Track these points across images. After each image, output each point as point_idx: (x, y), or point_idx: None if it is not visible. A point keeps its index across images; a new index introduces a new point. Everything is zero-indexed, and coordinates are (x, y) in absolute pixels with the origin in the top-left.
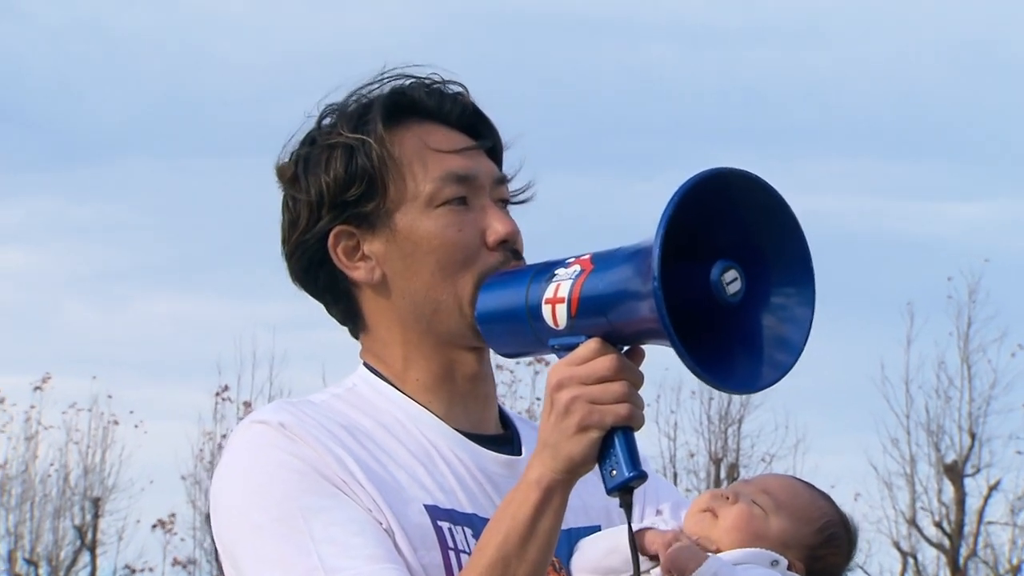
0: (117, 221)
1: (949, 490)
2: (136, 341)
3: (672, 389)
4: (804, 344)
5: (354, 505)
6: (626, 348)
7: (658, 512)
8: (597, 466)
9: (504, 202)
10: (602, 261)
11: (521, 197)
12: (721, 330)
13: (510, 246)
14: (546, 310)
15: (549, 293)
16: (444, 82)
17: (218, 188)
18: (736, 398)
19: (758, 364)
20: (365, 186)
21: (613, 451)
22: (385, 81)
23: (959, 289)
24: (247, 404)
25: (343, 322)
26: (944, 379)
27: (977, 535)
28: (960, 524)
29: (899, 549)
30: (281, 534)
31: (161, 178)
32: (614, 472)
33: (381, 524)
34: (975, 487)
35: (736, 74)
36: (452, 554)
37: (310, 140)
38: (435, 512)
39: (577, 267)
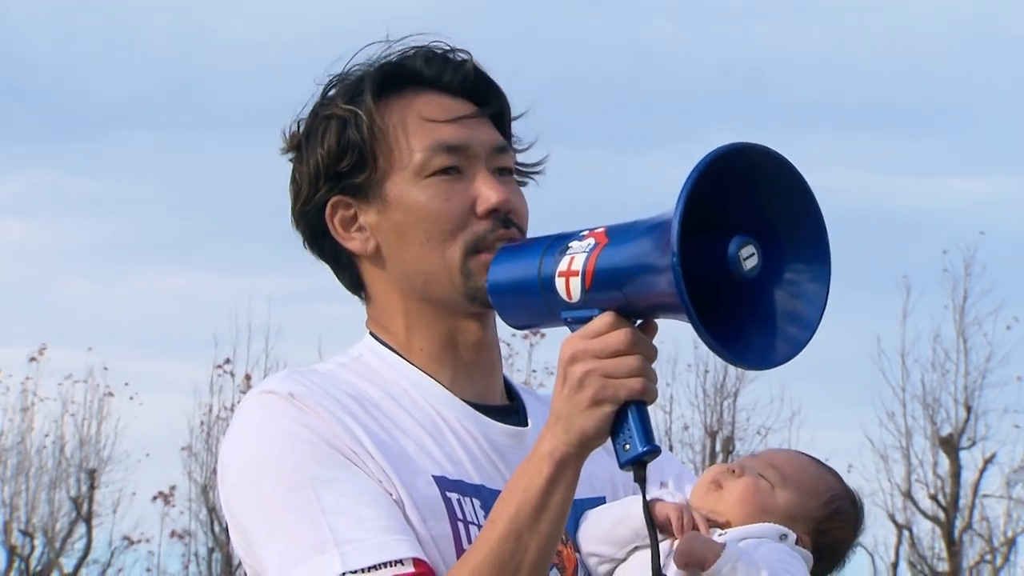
0: (115, 195)
1: (944, 463)
2: (133, 314)
3: (668, 362)
4: (819, 321)
5: (365, 476)
6: (639, 322)
7: (662, 484)
8: (609, 439)
9: (506, 170)
10: (617, 234)
11: (531, 169)
12: (736, 305)
13: (501, 215)
14: (559, 283)
15: (563, 266)
16: (447, 50)
17: (217, 162)
18: (732, 371)
19: (772, 340)
20: (356, 157)
21: (626, 425)
22: (389, 51)
23: (955, 262)
24: (247, 377)
25: (351, 290)
26: (940, 352)
27: (972, 508)
28: (955, 497)
29: (894, 522)
30: (291, 505)
31: (160, 152)
32: (627, 446)
33: (391, 495)
34: (970, 460)
35: (739, 50)
36: (461, 525)
37: (312, 112)
38: (444, 483)
39: (591, 240)
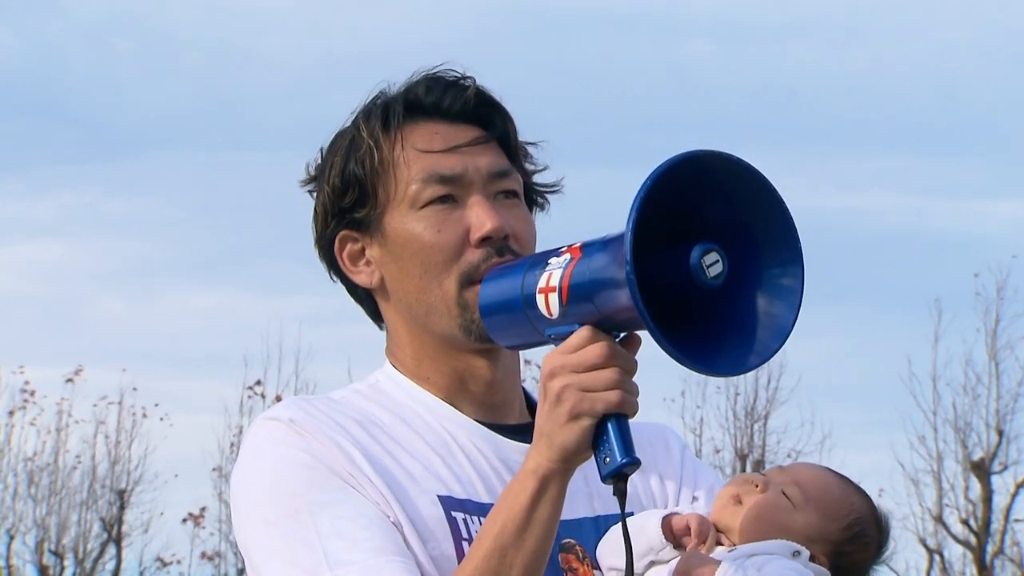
0: (151, 215)
1: (976, 487)
2: (167, 334)
3: (698, 384)
4: (792, 325)
5: (362, 499)
6: (622, 335)
7: (694, 499)
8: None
9: (511, 194)
10: (589, 248)
11: (547, 190)
12: (712, 312)
13: (496, 242)
14: (540, 299)
15: (542, 282)
16: (450, 76)
17: (252, 183)
18: (763, 394)
19: (748, 346)
20: (358, 192)
21: (606, 438)
22: (395, 83)
23: (987, 285)
24: (278, 398)
25: (372, 320)
26: (972, 376)
27: (1004, 533)
28: (987, 521)
29: (925, 546)
30: (289, 529)
31: (197, 172)
32: (607, 459)
33: (389, 517)
34: (1002, 484)
35: (775, 70)
36: (466, 544)
37: (324, 148)
38: (449, 503)
39: (568, 255)
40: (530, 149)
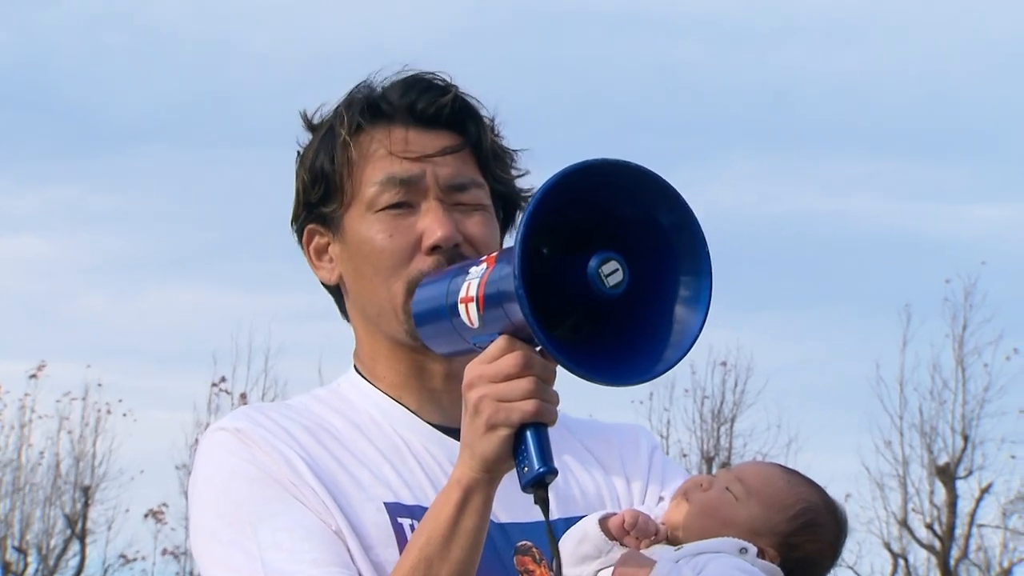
0: (135, 211)
1: (941, 492)
2: (139, 330)
3: (665, 387)
4: (698, 334)
5: (304, 509)
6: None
7: (660, 498)
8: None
9: (475, 205)
10: (500, 258)
11: (522, 195)
12: (622, 319)
13: (446, 251)
14: (461, 309)
15: (463, 292)
16: (431, 80)
17: (239, 179)
18: (730, 397)
19: (653, 355)
20: (324, 188)
21: (524, 448)
22: (375, 82)
23: (956, 291)
24: (243, 396)
25: (342, 314)
26: (939, 381)
27: (968, 537)
28: (951, 526)
29: (890, 550)
30: (230, 539)
31: (181, 169)
32: (526, 469)
33: (331, 527)
34: (967, 489)
35: (764, 73)
36: None
37: (312, 130)
38: (396, 509)
39: (484, 265)
40: (512, 155)
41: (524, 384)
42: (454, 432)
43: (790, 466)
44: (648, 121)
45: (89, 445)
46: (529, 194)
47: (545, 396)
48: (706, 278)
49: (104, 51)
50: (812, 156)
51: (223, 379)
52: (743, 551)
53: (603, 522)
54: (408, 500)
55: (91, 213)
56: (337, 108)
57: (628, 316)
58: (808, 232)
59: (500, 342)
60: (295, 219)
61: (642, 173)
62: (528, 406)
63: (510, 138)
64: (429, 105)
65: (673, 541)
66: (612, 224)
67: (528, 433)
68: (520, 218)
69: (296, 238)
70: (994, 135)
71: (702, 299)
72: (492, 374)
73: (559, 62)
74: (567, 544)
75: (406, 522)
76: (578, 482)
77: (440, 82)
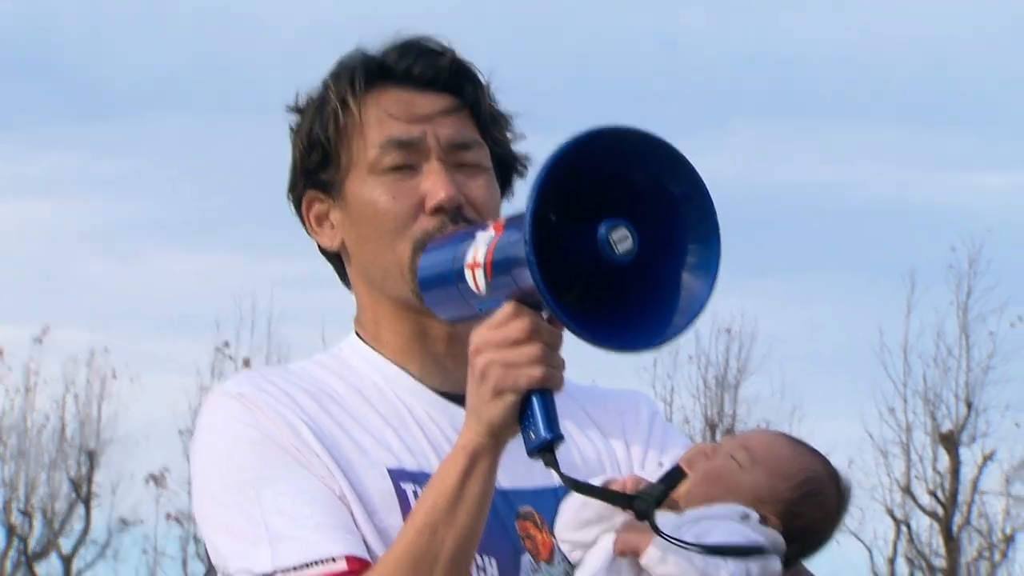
0: (139, 176)
1: (944, 459)
2: (144, 295)
3: (669, 353)
4: (707, 301)
5: (307, 474)
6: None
7: (660, 464)
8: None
9: (474, 166)
10: (509, 224)
11: (519, 161)
12: (630, 287)
13: (449, 212)
14: (468, 275)
15: (470, 257)
16: (426, 44)
17: (242, 145)
18: (734, 363)
19: (661, 322)
20: (322, 155)
21: (531, 413)
22: (371, 47)
23: (960, 258)
24: (246, 361)
25: (343, 282)
26: (943, 348)
27: (971, 504)
28: (954, 493)
29: (893, 517)
30: (234, 504)
31: (186, 134)
32: (532, 435)
33: (335, 491)
34: (970, 457)
35: (765, 41)
36: None
37: (304, 98)
38: (399, 475)
39: (492, 231)
40: (510, 119)
41: (531, 350)
42: (457, 398)
43: (794, 433)
44: (651, 89)
45: (94, 409)
46: (528, 159)
47: (552, 362)
48: (715, 246)
49: (108, 17)
50: (817, 124)
51: (227, 344)
52: (745, 517)
53: (605, 486)
54: (411, 466)
55: (96, 178)
56: (328, 76)
57: (636, 284)
58: (813, 200)
59: (507, 308)
60: (292, 188)
61: (653, 140)
62: (535, 372)
63: (509, 105)
64: (427, 67)
65: (674, 509)
66: (621, 191)
67: (535, 399)
68: (531, 183)
69: (293, 207)
70: (1000, 102)
71: (711, 267)
72: (499, 340)
73: (561, 30)
74: (568, 509)
75: (409, 488)
76: (579, 448)
77: (436, 46)
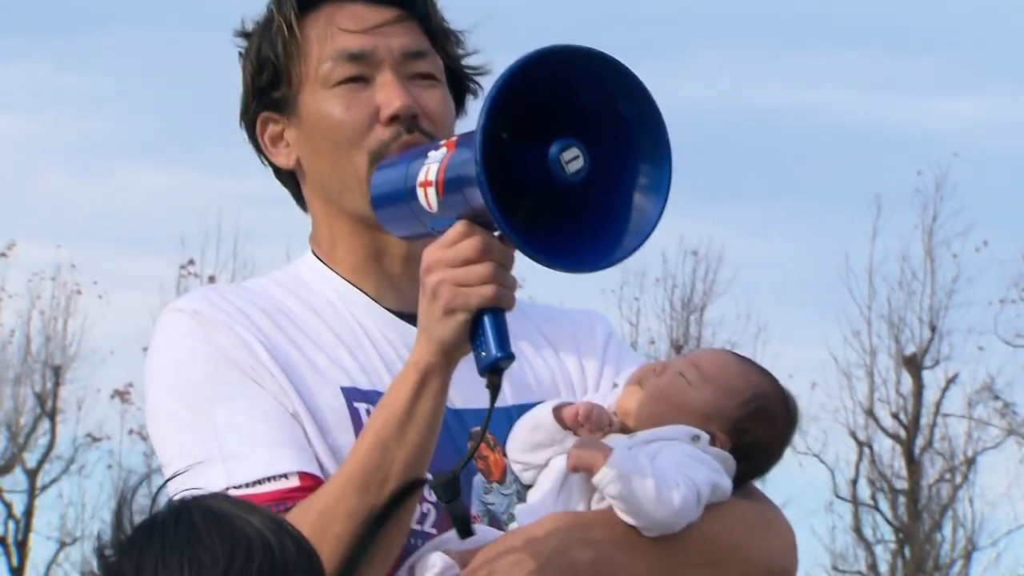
0: (105, 91)
1: (907, 382)
2: (108, 212)
3: (636, 275)
4: (656, 221)
5: (261, 392)
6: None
7: (615, 385)
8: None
9: (428, 76)
10: (460, 143)
11: (473, 72)
12: (582, 207)
13: (404, 121)
14: (420, 193)
15: (422, 176)
16: None
17: (208, 62)
18: (700, 286)
19: (611, 242)
20: (272, 73)
21: (482, 332)
22: None
23: (927, 183)
24: (211, 278)
25: (298, 203)
26: (907, 272)
27: (933, 427)
28: (917, 416)
29: (855, 439)
30: (187, 422)
31: (153, 49)
32: (484, 353)
33: (287, 409)
34: (933, 379)
35: None
36: None
37: (247, 31)
38: (352, 394)
39: (444, 149)
40: (460, 34)
41: (483, 269)
42: (412, 318)
43: (758, 356)
44: (612, 13)
45: (60, 325)
46: (480, 72)
47: (504, 281)
48: (666, 167)
49: None
50: (780, 48)
51: (191, 262)
52: (695, 438)
53: (557, 411)
54: (364, 385)
55: (60, 92)
56: None
57: (587, 204)
58: (778, 124)
59: (459, 227)
60: (244, 113)
61: (604, 59)
62: (487, 291)
63: (460, 21)
64: None
65: (625, 431)
66: (572, 111)
67: (486, 318)
68: (482, 101)
69: (247, 133)
70: (967, 27)
71: (662, 187)
72: (450, 258)
73: None
74: (520, 431)
75: (362, 407)
76: (532, 368)
77: None
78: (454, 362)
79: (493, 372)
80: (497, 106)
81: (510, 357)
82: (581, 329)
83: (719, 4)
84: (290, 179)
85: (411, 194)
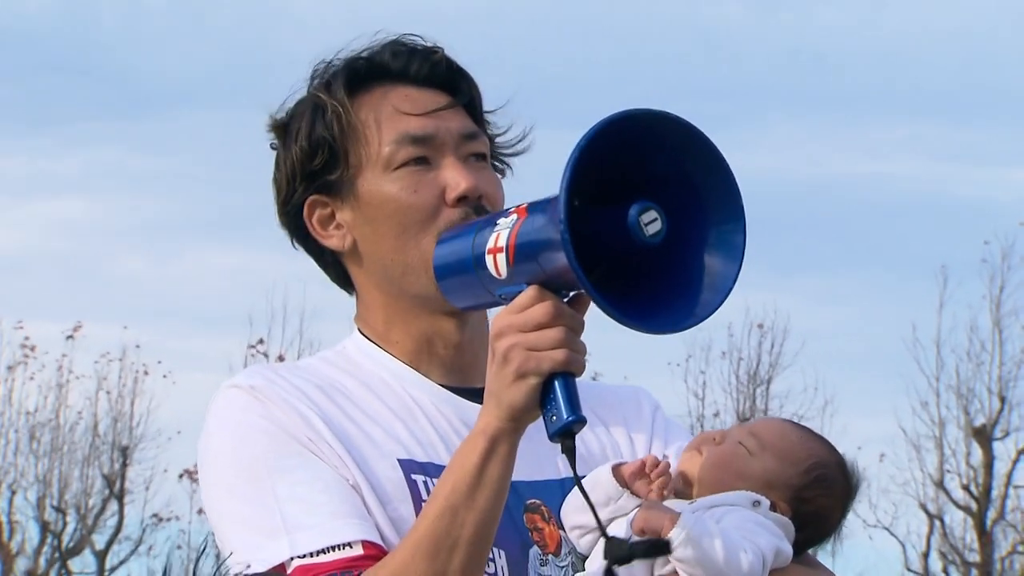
0: (171, 173)
1: (977, 453)
2: (174, 292)
3: (702, 348)
4: (733, 283)
5: (321, 463)
6: (571, 294)
7: (664, 457)
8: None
9: (480, 156)
10: (533, 209)
11: (512, 149)
12: (656, 271)
13: (472, 202)
14: (489, 260)
15: (491, 243)
16: (414, 44)
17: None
18: (766, 358)
19: (688, 305)
20: (327, 155)
21: (553, 397)
22: (361, 48)
23: (994, 253)
24: (280, 358)
25: (339, 286)
26: (976, 342)
27: (1005, 498)
28: (988, 487)
29: (926, 511)
30: (248, 495)
31: (220, 131)
32: (554, 417)
33: (348, 480)
34: (1004, 451)
35: (804, 35)
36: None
37: (288, 110)
38: (409, 466)
39: (515, 216)
40: (496, 115)
41: (555, 334)
42: (464, 392)
43: (826, 429)
44: (686, 83)
45: (127, 405)
46: (516, 153)
47: (575, 346)
48: (741, 229)
49: (145, 13)
50: (851, 119)
51: (260, 341)
52: (756, 504)
53: (616, 469)
54: (421, 457)
55: (131, 175)
56: (316, 81)
57: (660, 268)
58: (846, 195)
59: (530, 292)
60: (287, 198)
61: (677, 123)
62: (558, 355)
63: (547, 96)
64: (423, 66)
65: (683, 496)
66: (642, 176)
67: (557, 382)
68: (565, 164)
69: (286, 219)
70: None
71: (737, 250)
72: (522, 323)
73: (595, 23)
74: (577, 493)
75: (419, 479)
76: (584, 441)
77: (425, 44)
78: (522, 428)
79: (566, 436)
80: (578, 169)
81: (582, 421)
82: (628, 404)
83: (792, 75)
84: (333, 262)
85: (479, 261)
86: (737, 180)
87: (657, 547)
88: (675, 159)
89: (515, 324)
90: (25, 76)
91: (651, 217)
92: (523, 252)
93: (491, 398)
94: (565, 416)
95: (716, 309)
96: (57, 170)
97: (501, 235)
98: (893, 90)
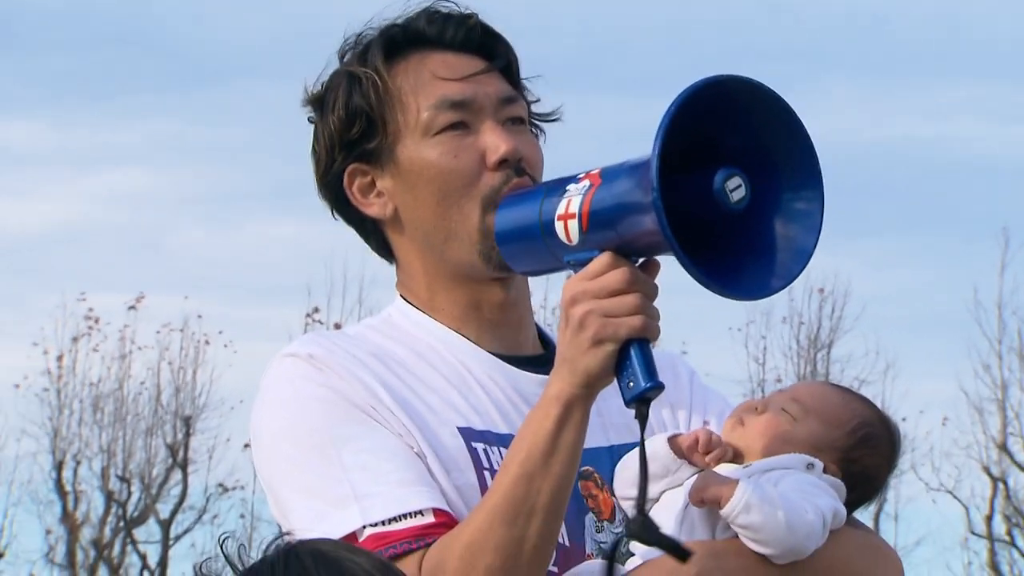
0: (231, 144)
1: None
2: (235, 263)
3: (762, 313)
4: (813, 248)
5: (385, 431)
6: (641, 260)
7: (705, 423)
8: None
9: (518, 120)
10: (609, 175)
11: (547, 118)
12: (733, 238)
13: (512, 164)
14: (559, 226)
15: (561, 209)
16: (449, 10)
17: None
18: (827, 323)
19: (769, 270)
20: (365, 123)
21: (629, 363)
22: (396, 16)
23: None
24: (337, 326)
25: (380, 255)
26: None
27: None
28: None
29: (989, 474)
30: (313, 464)
31: (277, 101)
32: (631, 384)
33: (412, 448)
34: None
35: None
36: (487, 474)
37: (323, 81)
38: (469, 434)
39: (587, 182)
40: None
41: (631, 300)
42: (512, 360)
43: (887, 392)
44: (746, 46)
45: (189, 375)
46: (551, 119)
47: (650, 312)
48: (819, 197)
49: None
50: (912, 81)
51: (316, 310)
52: (810, 466)
53: (672, 440)
54: (479, 425)
55: (191, 146)
56: (350, 51)
57: (739, 234)
58: (906, 157)
59: (604, 258)
60: (327, 168)
61: (760, 90)
62: (635, 321)
63: (605, 64)
64: (458, 32)
65: (735, 462)
66: (726, 140)
67: (632, 349)
68: (656, 129)
69: (326, 189)
70: None
71: (816, 214)
72: (597, 289)
73: None
74: (631, 464)
75: (479, 446)
76: (624, 411)
77: (460, 10)
78: (595, 394)
79: (642, 402)
80: (669, 134)
81: (660, 386)
82: (665, 372)
83: (852, 37)
84: (374, 230)
85: (547, 228)
86: (817, 153)
87: (677, 552)
88: (756, 126)
89: (590, 290)
90: (85, 49)
91: (736, 183)
92: (599, 218)
93: (564, 364)
94: (643, 383)
95: (796, 276)
96: (118, 142)
97: (573, 201)
98: (954, 51)
